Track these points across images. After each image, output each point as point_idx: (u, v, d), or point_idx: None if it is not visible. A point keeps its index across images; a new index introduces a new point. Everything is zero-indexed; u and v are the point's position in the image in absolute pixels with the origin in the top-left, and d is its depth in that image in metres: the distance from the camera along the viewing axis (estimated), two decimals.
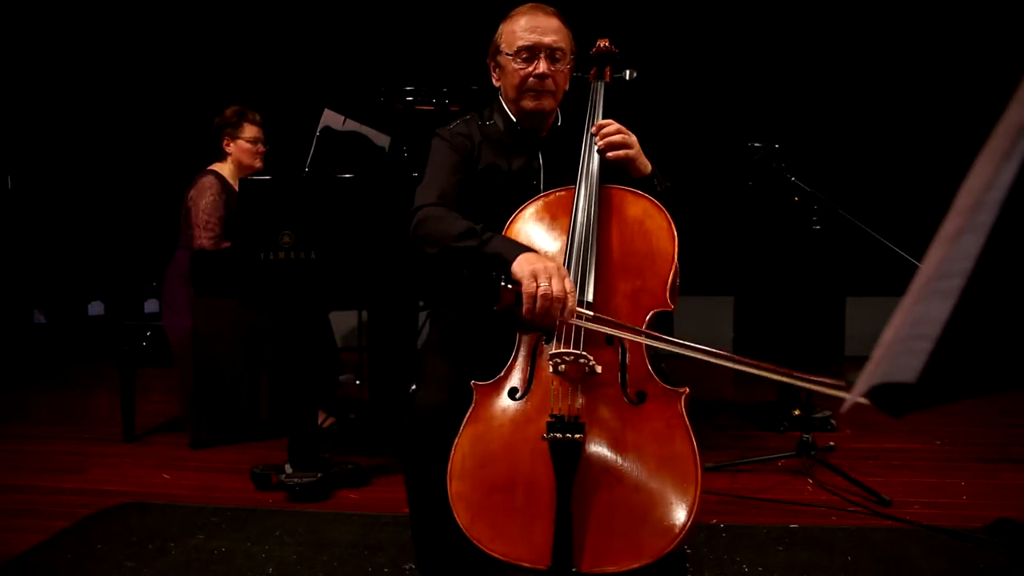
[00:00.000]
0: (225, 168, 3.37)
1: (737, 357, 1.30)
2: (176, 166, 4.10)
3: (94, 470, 2.99)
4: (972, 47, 4.66)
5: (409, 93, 3.27)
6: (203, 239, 3.19)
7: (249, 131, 3.36)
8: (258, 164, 3.40)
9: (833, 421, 3.38)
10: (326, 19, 5.38)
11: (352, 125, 3.22)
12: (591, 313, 1.43)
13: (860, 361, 0.56)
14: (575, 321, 1.41)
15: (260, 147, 3.40)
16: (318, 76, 5.18)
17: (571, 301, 1.39)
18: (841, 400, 0.62)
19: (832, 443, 3.08)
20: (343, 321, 5.19)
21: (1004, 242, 0.49)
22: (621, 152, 1.66)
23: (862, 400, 0.57)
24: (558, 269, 1.42)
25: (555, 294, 1.38)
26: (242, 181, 2.67)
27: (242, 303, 2.79)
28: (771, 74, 5.03)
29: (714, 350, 1.33)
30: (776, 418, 3.39)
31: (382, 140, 3.41)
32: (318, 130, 3.08)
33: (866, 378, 0.55)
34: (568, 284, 1.40)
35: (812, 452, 2.77)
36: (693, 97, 5.02)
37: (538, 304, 1.38)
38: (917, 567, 2.05)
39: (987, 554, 2.11)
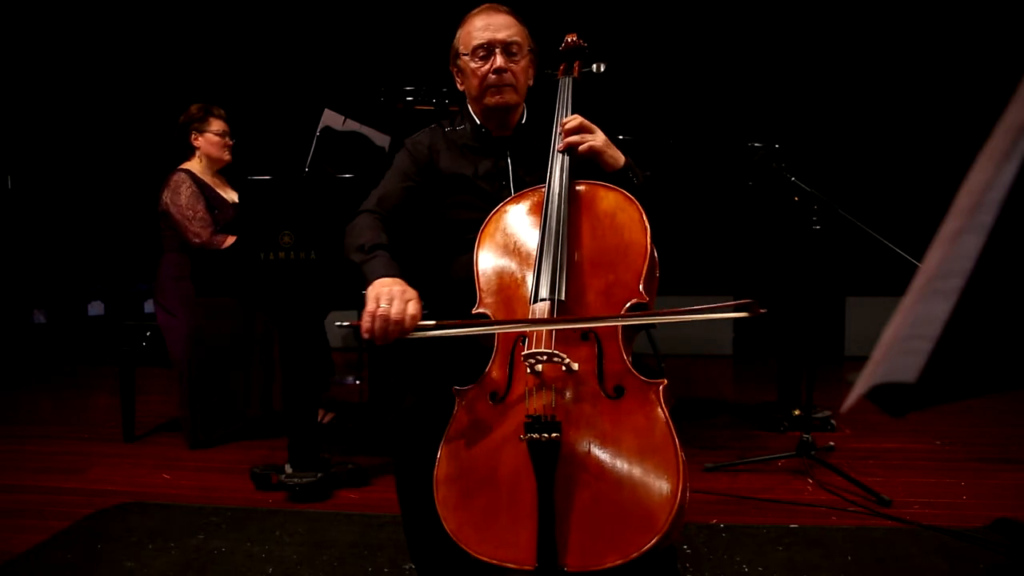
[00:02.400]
0: (195, 165, 3.38)
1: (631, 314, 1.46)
2: (176, 166, 4.09)
3: (94, 470, 2.99)
4: (972, 47, 4.66)
5: (409, 93, 3.27)
6: (197, 230, 3.19)
7: (216, 124, 3.39)
8: (227, 157, 3.42)
9: (833, 421, 3.38)
10: (326, 19, 5.38)
11: (352, 125, 3.22)
12: (433, 323, 1.50)
13: (860, 361, 0.56)
14: (416, 335, 1.48)
15: (228, 140, 3.42)
16: (318, 76, 5.18)
17: (408, 324, 1.46)
18: (841, 400, 0.62)
19: (832, 443, 3.08)
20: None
21: (1004, 242, 0.49)
22: (585, 145, 1.66)
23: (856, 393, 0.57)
24: (402, 293, 1.49)
25: (392, 316, 1.45)
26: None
27: (242, 303, 2.79)
28: (771, 74, 5.03)
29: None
30: (776, 418, 3.39)
31: (382, 140, 3.41)
32: (318, 130, 3.08)
33: (866, 378, 0.55)
34: (410, 308, 1.47)
35: (812, 452, 2.77)
36: (693, 97, 5.03)
37: (375, 324, 1.46)
38: (917, 567, 2.05)
39: (987, 554, 2.11)
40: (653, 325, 1.40)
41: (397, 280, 1.54)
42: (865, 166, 4.96)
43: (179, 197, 3.22)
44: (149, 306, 5.40)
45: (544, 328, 1.45)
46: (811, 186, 2.81)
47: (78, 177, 5.69)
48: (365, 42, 5.30)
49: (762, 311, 1.30)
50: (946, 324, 0.52)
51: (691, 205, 3.23)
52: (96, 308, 5.58)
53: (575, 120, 1.69)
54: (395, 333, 1.46)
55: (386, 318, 1.45)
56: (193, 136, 3.38)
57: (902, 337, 0.53)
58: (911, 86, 4.91)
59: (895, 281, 1.43)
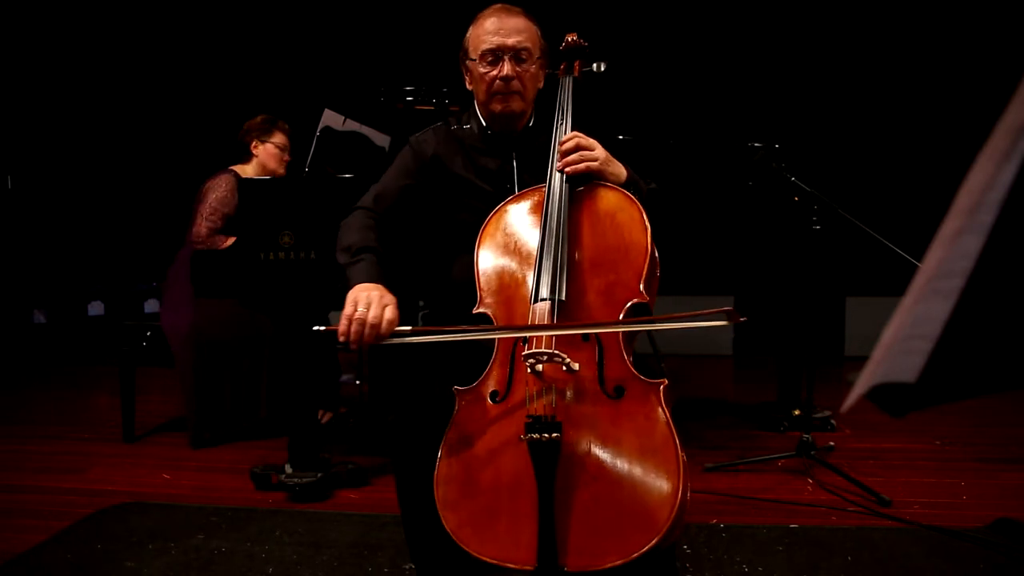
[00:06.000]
0: (246, 170, 3.41)
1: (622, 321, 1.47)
2: (175, 166, 4.10)
3: (94, 470, 2.99)
4: (972, 47, 4.66)
5: (409, 93, 3.27)
6: (201, 226, 3.22)
7: (278, 137, 3.43)
8: (281, 171, 3.45)
9: (833, 421, 3.38)
10: (326, 19, 5.38)
11: (352, 125, 3.22)
12: (409, 328, 1.51)
13: (860, 361, 0.56)
14: (392, 341, 1.49)
15: (286, 155, 3.46)
16: (318, 76, 5.18)
17: (384, 328, 1.47)
18: (842, 400, 0.62)
19: (832, 443, 3.09)
20: None
21: (1004, 242, 0.49)
22: (583, 166, 1.62)
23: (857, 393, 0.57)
24: (380, 298, 1.50)
25: (368, 320, 1.47)
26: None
27: (243, 303, 2.79)
28: (771, 74, 5.03)
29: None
30: (776, 418, 3.39)
31: (382, 140, 3.41)
32: (318, 130, 3.08)
33: (866, 378, 0.55)
34: (387, 312, 1.48)
35: (812, 452, 2.77)
36: (693, 97, 5.03)
37: (351, 327, 1.47)
38: (917, 567, 2.05)
39: (987, 554, 2.11)
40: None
41: (376, 285, 1.56)
42: (865, 166, 4.96)
43: (212, 192, 3.26)
44: (149, 306, 5.41)
45: (538, 334, 1.45)
46: (811, 186, 2.81)
47: (78, 177, 5.69)
48: (365, 42, 5.30)
49: (742, 319, 1.29)
50: (946, 324, 0.52)
51: (691, 205, 3.23)
52: (96, 308, 5.58)
53: (572, 140, 1.63)
54: (370, 337, 1.47)
55: (362, 322, 1.47)
56: (254, 144, 3.41)
57: (902, 337, 0.53)
58: (911, 86, 4.91)
59: (895, 281, 1.43)
